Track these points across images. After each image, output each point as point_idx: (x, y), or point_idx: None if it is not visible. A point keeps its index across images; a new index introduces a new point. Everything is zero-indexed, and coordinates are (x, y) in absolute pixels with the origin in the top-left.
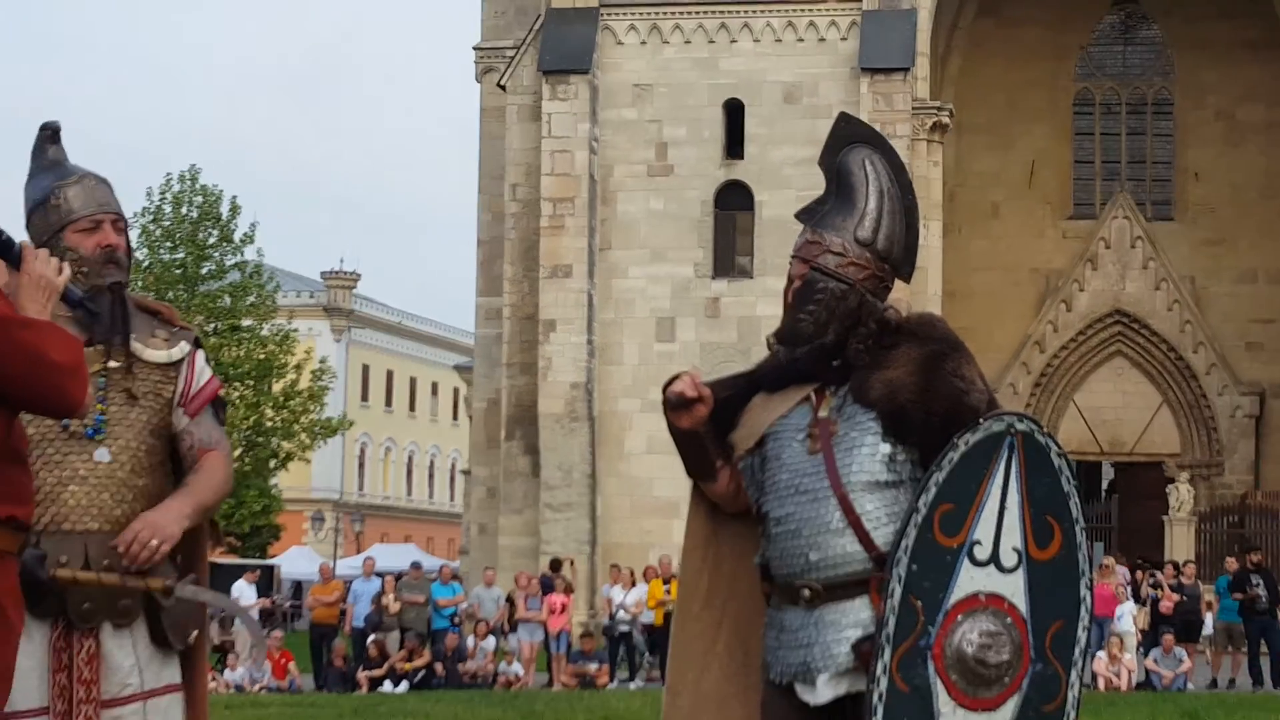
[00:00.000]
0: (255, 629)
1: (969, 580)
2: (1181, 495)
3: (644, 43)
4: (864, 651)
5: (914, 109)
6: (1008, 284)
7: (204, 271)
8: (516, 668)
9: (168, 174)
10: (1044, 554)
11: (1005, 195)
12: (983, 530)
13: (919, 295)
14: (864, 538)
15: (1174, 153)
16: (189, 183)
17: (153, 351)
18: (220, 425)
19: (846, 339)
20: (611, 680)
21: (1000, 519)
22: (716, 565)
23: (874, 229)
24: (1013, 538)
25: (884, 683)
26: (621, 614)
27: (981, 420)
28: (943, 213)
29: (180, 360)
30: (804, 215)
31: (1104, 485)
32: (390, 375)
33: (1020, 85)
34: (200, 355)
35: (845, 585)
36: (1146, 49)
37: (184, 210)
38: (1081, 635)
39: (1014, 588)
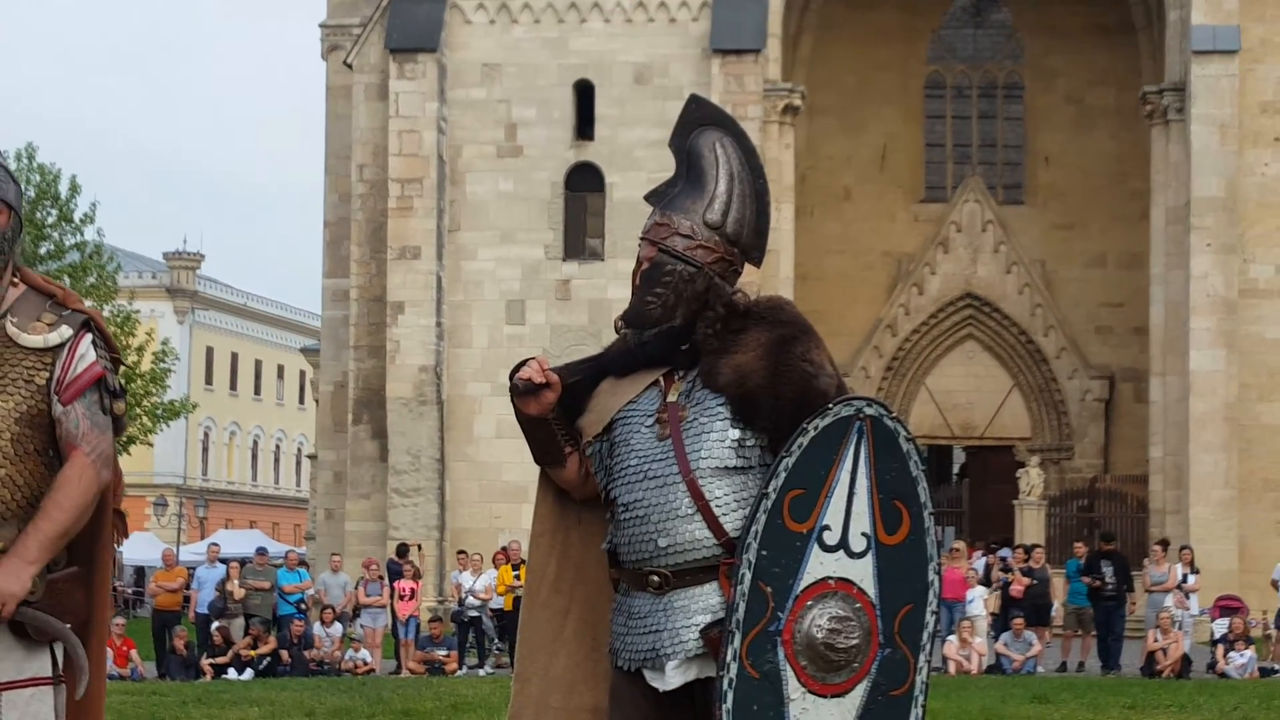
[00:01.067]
0: (83, 671)
1: (819, 565)
2: (1032, 479)
3: (493, 21)
4: (713, 637)
5: (765, 91)
6: (859, 267)
7: (42, 252)
8: (364, 654)
9: (2, 151)
10: (892, 539)
11: (857, 178)
12: (832, 515)
13: (771, 278)
14: (713, 523)
15: (1025, 136)
16: (26, 161)
17: (29, 337)
18: (103, 413)
19: (694, 322)
20: (461, 667)
21: (849, 504)
22: (565, 551)
23: (723, 212)
24: (862, 523)
25: (734, 668)
26: (470, 599)
27: (830, 405)
28: (794, 195)
29: (60, 345)
30: (653, 197)
31: (955, 469)
32: (235, 358)
33: (872, 68)
34: (86, 339)
35: (694, 571)
36: (997, 33)
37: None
38: (930, 620)
39: (863, 573)
